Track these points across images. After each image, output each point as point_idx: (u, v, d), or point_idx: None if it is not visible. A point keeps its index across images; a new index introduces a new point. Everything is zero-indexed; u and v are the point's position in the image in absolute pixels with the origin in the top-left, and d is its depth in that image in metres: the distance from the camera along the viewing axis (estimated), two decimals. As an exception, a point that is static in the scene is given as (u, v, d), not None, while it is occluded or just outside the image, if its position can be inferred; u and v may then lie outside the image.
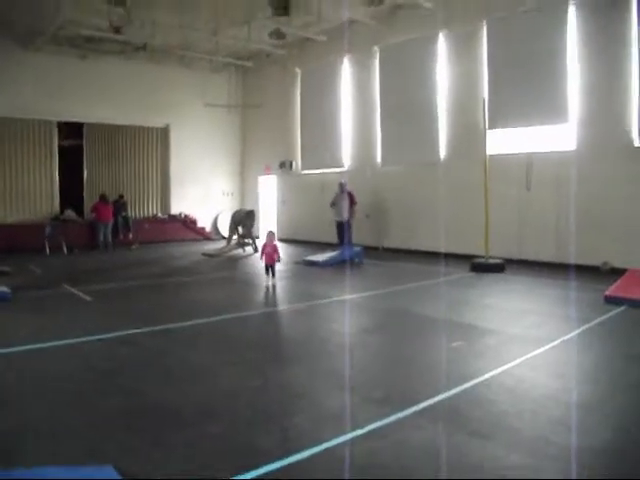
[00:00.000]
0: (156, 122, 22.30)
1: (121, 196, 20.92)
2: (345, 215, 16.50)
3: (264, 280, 11.97)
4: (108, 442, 4.46)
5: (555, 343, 7.22)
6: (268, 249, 11.58)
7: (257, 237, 18.85)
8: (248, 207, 20.44)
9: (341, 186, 16.71)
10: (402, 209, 17.51)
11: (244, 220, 18.42)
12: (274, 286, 11.53)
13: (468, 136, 15.48)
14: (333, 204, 16.92)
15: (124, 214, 20.67)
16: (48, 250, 17.78)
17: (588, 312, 8.83)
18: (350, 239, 16.35)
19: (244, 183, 24.47)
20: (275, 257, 11.59)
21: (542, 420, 4.89)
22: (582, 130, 13.61)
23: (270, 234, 11.80)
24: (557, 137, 14.10)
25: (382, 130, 18.31)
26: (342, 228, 16.59)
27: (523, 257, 14.29)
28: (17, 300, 9.97)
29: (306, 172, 21.28)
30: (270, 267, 11.58)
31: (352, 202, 16.62)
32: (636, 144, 12.77)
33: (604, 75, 13.18)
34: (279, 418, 4.97)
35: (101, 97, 20.41)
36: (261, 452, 4.27)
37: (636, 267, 10.92)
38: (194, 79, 22.55)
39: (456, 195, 15.71)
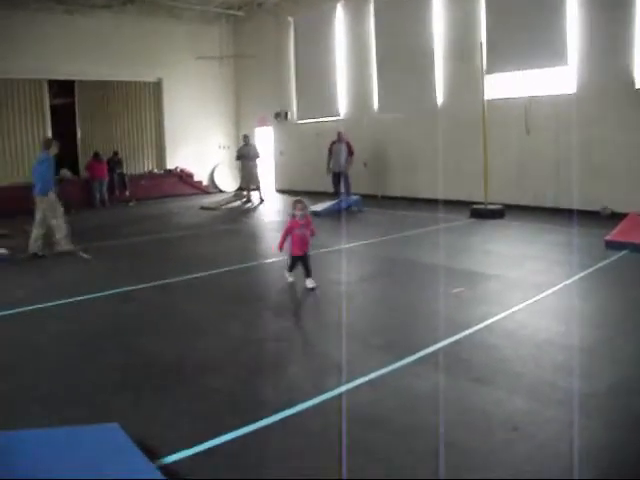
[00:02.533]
0: (148, 77, 21.92)
1: (116, 153, 20.70)
2: (343, 165, 16.30)
3: (286, 279, 7.93)
4: (112, 401, 4.46)
5: (556, 288, 7.21)
6: (298, 231, 7.52)
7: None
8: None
9: (339, 135, 16.48)
10: (400, 157, 17.35)
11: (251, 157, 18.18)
12: (313, 289, 7.47)
13: (466, 81, 15.22)
14: (330, 153, 16.66)
15: (119, 171, 20.48)
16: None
17: (589, 257, 8.78)
18: (349, 190, 16.18)
19: (240, 135, 24.20)
20: (309, 241, 7.70)
21: (545, 365, 4.90)
22: (582, 73, 13.35)
23: (300, 204, 7.56)
24: (556, 80, 13.85)
25: (378, 77, 18.01)
26: (339, 178, 16.39)
27: (523, 203, 14.18)
28: (15, 261, 9.93)
29: (302, 122, 21.02)
30: (302, 261, 7.62)
31: (350, 152, 16.38)
32: (637, 86, 12.54)
33: (604, 16, 12.86)
34: (281, 369, 4.98)
35: (91, 53, 19.98)
36: (265, 404, 4.29)
37: (636, 211, 10.83)
38: (185, 31, 22.11)
39: (454, 141, 15.52)
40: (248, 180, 18.42)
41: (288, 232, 7.57)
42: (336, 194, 16.12)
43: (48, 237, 10.48)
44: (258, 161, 18.65)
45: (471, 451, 3.62)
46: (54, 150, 10.77)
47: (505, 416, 4.04)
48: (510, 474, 3.38)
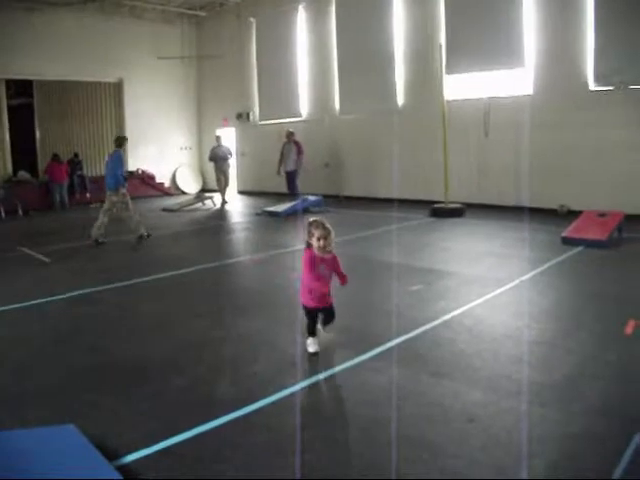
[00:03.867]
0: (109, 77, 21.70)
1: (76, 154, 20.47)
2: (292, 165, 16.37)
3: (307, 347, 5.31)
4: (72, 402, 4.43)
5: (514, 283, 7.35)
6: (317, 271, 5.09)
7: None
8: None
9: (288, 136, 16.54)
10: (362, 157, 17.46)
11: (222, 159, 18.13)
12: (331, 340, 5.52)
13: (426, 82, 15.41)
14: (281, 154, 16.72)
15: (80, 173, 20.25)
16: (3, 213, 17.36)
17: (546, 253, 8.97)
18: (296, 189, 16.25)
19: (202, 136, 24.08)
20: (329, 290, 5.26)
21: (502, 358, 5.00)
22: (538, 74, 13.63)
23: (320, 229, 5.00)
24: (515, 82, 14.10)
25: (340, 78, 18.10)
26: (290, 178, 16.50)
27: (482, 201, 14.41)
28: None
29: (264, 122, 21.04)
30: (324, 313, 5.32)
31: (299, 151, 16.44)
32: (591, 88, 12.84)
33: (560, 19, 13.15)
34: (242, 367, 5.00)
35: (51, 52, 19.69)
36: (224, 401, 4.31)
37: (591, 209, 11.07)
38: (146, 31, 21.94)
39: (415, 142, 15.71)
40: (222, 181, 18.32)
41: (309, 269, 5.02)
42: (291, 194, 16.21)
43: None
44: (230, 161, 18.64)
45: (428, 443, 3.67)
46: (125, 147, 12.19)
47: (462, 408, 4.12)
48: (465, 464, 3.46)
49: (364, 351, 5.16)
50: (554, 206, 13.15)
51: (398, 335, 5.53)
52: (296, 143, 16.49)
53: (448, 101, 13.95)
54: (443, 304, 6.53)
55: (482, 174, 14.58)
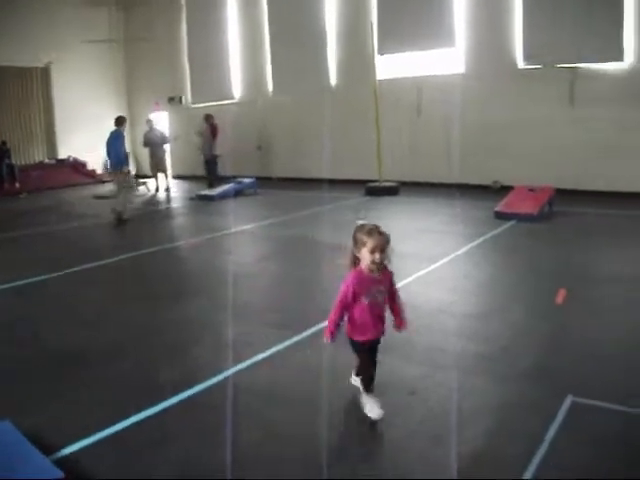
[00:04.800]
0: (36, 61, 20.95)
1: (4, 142, 19.77)
2: (208, 149, 16.00)
3: (362, 405, 3.84)
4: (10, 394, 4.31)
5: (449, 258, 7.48)
6: (369, 297, 3.69)
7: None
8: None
9: (207, 119, 16.16)
10: (295, 138, 17.39)
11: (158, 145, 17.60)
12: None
13: (358, 62, 15.38)
14: (202, 138, 16.15)
15: (8, 162, 19.58)
16: None
17: (480, 228, 9.15)
18: (215, 173, 15.96)
19: (133, 120, 23.56)
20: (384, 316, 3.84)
21: (438, 332, 5.09)
22: (469, 54, 13.85)
23: (377, 237, 3.54)
24: (446, 61, 14.28)
25: (272, 59, 17.92)
26: (208, 162, 16.09)
27: (417, 179, 14.53)
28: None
29: (197, 106, 20.71)
30: (373, 351, 3.86)
31: (214, 134, 15.98)
32: (520, 66, 13.13)
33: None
34: (182, 351, 4.96)
35: (-28, 37, 18.96)
36: (165, 386, 4.25)
37: (523, 184, 11.30)
38: (74, 14, 21.24)
39: (349, 121, 15.72)
40: (156, 167, 17.79)
41: (348, 299, 3.66)
42: (212, 179, 15.83)
43: None
44: (166, 147, 18.16)
45: (368, 419, 3.71)
46: (125, 127, 12.38)
47: (401, 382, 4.18)
48: (404, 435, 3.52)
49: (302, 330, 5.17)
50: (487, 182, 13.39)
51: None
52: (212, 126, 16.03)
53: (380, 80, 14.02)
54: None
55: (415, 152, 14.72)
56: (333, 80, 16.41)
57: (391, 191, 13.46)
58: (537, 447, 3.32)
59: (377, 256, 3.48)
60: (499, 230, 9.01)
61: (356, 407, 3.81)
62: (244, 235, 9.79)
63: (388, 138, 14.30)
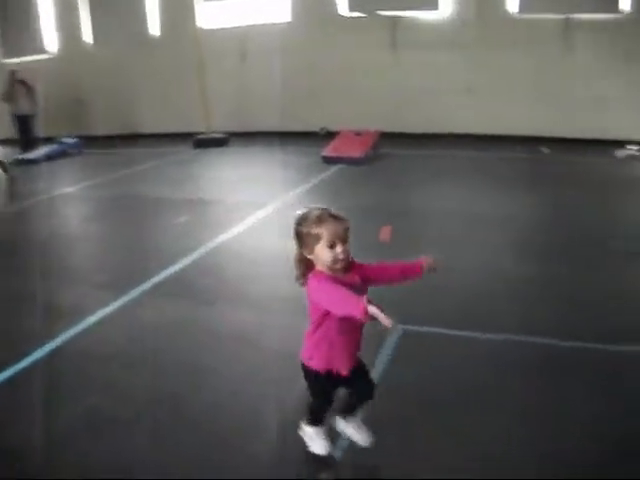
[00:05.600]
0: None
1: None
2: (23, 107, 14.59)
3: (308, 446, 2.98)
4: None
5: (278, 204, 7.50)
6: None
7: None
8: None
9: (11, 75, 14.64)
10: (118, 92, 16.48)
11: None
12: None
13: (180, 9, 14.83)
14: (7, 98, 14.28)
15: None
16: None
17: (308, 173, 9.25)
18: (31, 134, 14.62)
19: None
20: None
21: (269, 277, 5.09)
22: (295, 2, 13.78)
23: (333, 221, 2.51)
24: (272, 9, 14.12)
25: (91, 8, 16.81)
26: (22, 122, 14.35)
27: (246, 129, 14.40)
28: None
29: (9, 61, 19.14)
30: (357, 381, 2.78)
31: (26, 91, 14.27)
32: (342, 13, 13.35)
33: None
34: (5, 325, 4.59)
35: None
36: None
37: (349, 129, 11.53)
38: None
39: (173, 72, 15.15)
40: None
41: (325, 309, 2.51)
42: (26, 142, 14.49)
43: None
44: None
45: (204, 368, 3.69)
46: None
47: (232, 331, 4.14)
48: (239, 381, 3.52)
49: (132, 289, 4.97)
50: (315, 129, 13.53)
51: (166, 268, 5.40)
52: (22, 82, 14.61)
53: (205, 29, 13.64)
54: (209, 232, 6.46)
55: (244, 102, 14.54)
56: (154, 29, 15.71)
57: (220, 142, 13.25)
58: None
59: (339, 250, 2.45)
60: (326, 174, 9.16)
61: (191, 361, 3.75)
62: (68, 198, 9.25)
63: (215, 88, 14.00)
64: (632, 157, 10.73)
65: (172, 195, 8.59)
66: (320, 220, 2.49)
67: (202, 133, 13.64)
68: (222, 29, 14.52)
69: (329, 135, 12.51)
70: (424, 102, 12.89)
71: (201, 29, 13.59)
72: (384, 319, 2.15)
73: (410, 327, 3.99)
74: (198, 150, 12.84)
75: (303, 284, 2.58)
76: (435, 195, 7.97)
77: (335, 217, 2.51)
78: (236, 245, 6.00)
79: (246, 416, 3.21)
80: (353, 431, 2.91)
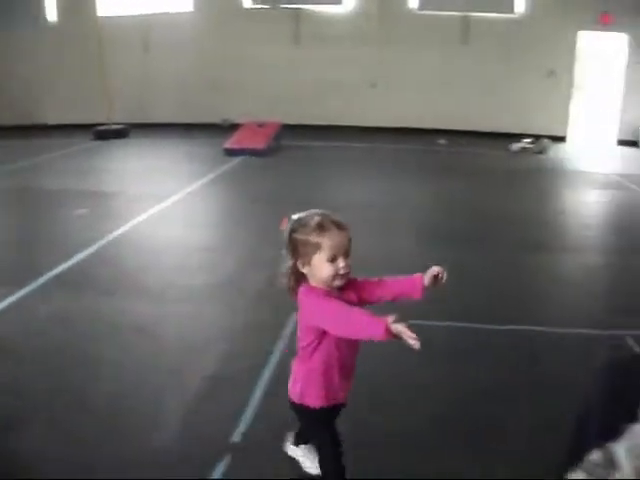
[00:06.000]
0: None
1: None
2: None
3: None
4: None
5: (180, 196, 7.47)
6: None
7: None
8: None
9: None
10: (15, 80, 15.79)
11: None
12: None
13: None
14: None
15: None
16: None
17: (211, 165, 9.26)
18: None
19: None
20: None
21: (168, 268, 5.11)
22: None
23: (335, 229, 2.12)
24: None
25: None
26: None
27: (149, 120, 14.15)
28: None
29: None
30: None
31: None
32: (245, 5, 13.36)
33: None
34: None
35: None
36: None
37: (251, 120, 11.57)
38: None
39: (73, 62, 14.66)
40: None
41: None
42: None
43: None
44: None
45: (104, 359, 3.67)
46: None
47: (132, 322, 4.13)
48: (139, 371, 3.52)
49: (28, 282, 4.84)
50: (218, 120, 13.50)
51: (65, 261, 5.30)
52: None
53: (106, 17, 13.29)
54: (109, 224, 6.36)
55: (146, 93, 14.30)
56: (52, 16, 15.16)
57: (121, 134, 12.97)
58: (268, 360, 3.55)
59: (342, 264, 2.08)
60: (228, 166, 9.20)
61: (91, 353, 3.73)
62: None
63: (116, 79, 13.70)
64: (524, 150, 11.29)
65: (72, 187, 8.38)
66: (322, 228, 2.10)
67: (103, 124, 13.33)
68: (124, 17, 14.21)
69: (233, 127, 12.51)
70: (327, 95, 13.12)
71: (102, 17, 13.22)
72: (411, 337, 1.77)
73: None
74: (99, 142, 12.54)
75: (293, 298, 2.21)
76: (336, 185, 8.19)
77: (339, 225, 2.13)
78: (137, 236, 5.97)
79: (147, 406, 3.22)
80: (303, 457, 2.65)
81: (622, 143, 12.96)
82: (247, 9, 13.41)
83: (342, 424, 2.38)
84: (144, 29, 13.97)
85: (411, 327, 1.78)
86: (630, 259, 5.61)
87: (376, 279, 2.28)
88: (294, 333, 3.81)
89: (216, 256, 5.38)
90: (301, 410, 2.29)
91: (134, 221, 6.41)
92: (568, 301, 4.67)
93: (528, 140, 11.62)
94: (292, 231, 2.17)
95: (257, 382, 3.34)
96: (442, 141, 11.94)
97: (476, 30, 13.10)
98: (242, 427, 2.96)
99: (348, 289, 2.18)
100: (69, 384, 3.44)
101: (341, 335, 2.06)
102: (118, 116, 13.58)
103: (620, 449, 1.22)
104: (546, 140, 11.65)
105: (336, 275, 2.08)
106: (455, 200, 7.60)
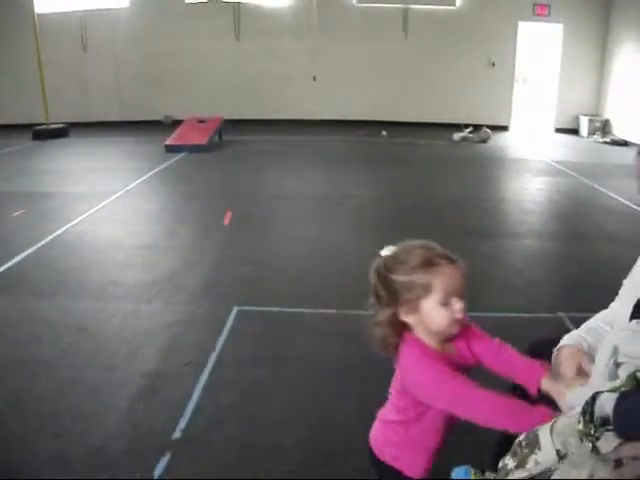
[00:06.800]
0: None
1: None
2: None
3: None
4: None
5: (118, 195, 7.41)
6: None
7: None
8: None
9: None
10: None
11: None
12: None
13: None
14: None
15: None
16: None
17: (151, 162, 9.20)
18: None
19: None
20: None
21: (107, 266, 5.07)
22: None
23: (447, 262, 1.60)
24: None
25: None
26: None
27: (88, 119, 13.94)
28: None
29: None
30: None
31: None
32: (186, 0, 13.20)
33: None
34: None
35: None
36: None
37: (193, 116, 11.46)
38: None
39: (7, 60, 14.28)
40: None
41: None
42: None
43: None
44: None
45: (43, 360, 3.60)
46: None
47: (71, 321, 4.06)
48: (79, 369, 3.48)
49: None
50: (159, 117, 13.34)
51: (2, 263, 5.17)
52: None
53: (42, 13, 12.96)
54: (47, 225, 6.26)
55: (84, 91, 14.07)
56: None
57: (60, 133, 12.73)
58: (210, 354, 3.56)
59: (458, 306, 1.60)
60: (169, 163, 9.16)
61: (30, 353, 3.65)
62: None
63: (54, 78, 13.39)
64: (465, 139, 11.45)
65: (10, 189, 8.18)
66: (429, 263, 1.60)
67: (41, 124, 13.03)
68: (61, 13, 13.89)
69: (175, 124, 12.39)
70: (269, 89, 13.12)
71: (40, 14, 12.88)
72: (563, 407, 1.44)
73: (243, 308, 4.16)
74: (38, 142, 12.26)
75: (389, 353, 1.70)
76: (278, 178, 8.24)
77: (449, 259, 1.62)
78: (77, 236, 5.87)
79: (87, 405, 3.18)
80: None
81: (561, 131, 13.26)
82: (186, 4, 13.26)
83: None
84: (82, 26, 13.71)
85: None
86: (570, 244, 5.76)
87: (495, 341, 1.76)
88: (234, 328, 3.86)
89: (156, 253, 5.33)
90: (391, 472, 1.77)
91: (74, 221, 6.33)
92: (509, 285, 4.75)
93: (469, 129, 11.79)
94: (386, 270, 1.63)
95: (198, 378, 3.33)
96: (384, 132, 12.02)
97: (416, 22, 13.23)
98: (182, 423, 2.96)
99: (459, 338, 1.72)
100: (7, 386, 3.36)
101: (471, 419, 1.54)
102: (57, 115, 13.30)
103: (544, 428, 1.23)
104: (486, 129, 11.85)
105: (453, 322, 1.62)
106: (398, 189, 7.69)
